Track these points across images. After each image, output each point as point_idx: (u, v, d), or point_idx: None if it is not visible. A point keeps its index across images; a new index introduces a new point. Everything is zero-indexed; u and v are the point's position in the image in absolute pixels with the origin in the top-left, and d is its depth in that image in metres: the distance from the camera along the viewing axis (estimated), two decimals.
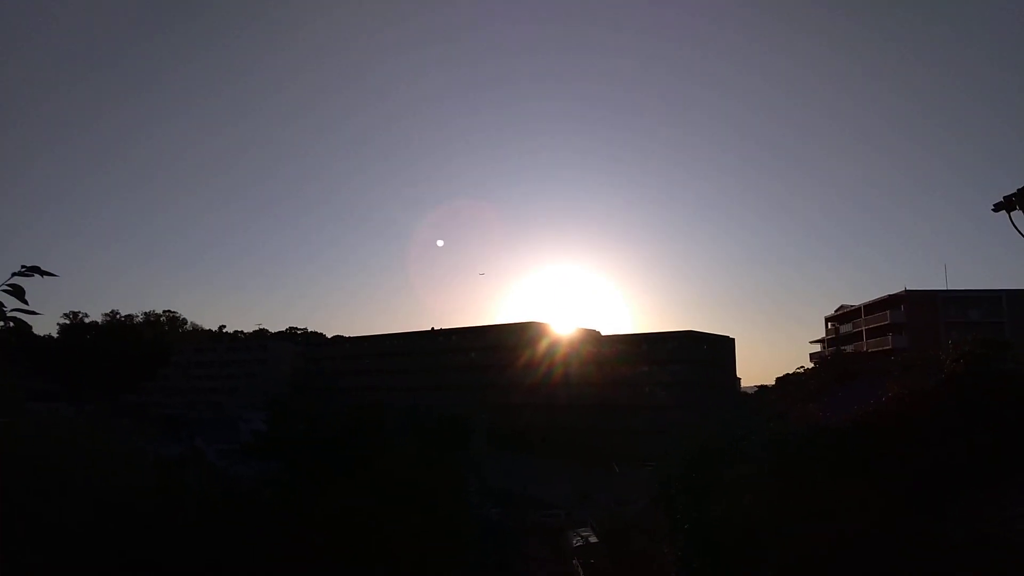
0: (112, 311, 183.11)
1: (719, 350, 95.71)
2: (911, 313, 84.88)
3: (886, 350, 72.90)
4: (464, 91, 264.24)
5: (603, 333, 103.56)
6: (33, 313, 3.98)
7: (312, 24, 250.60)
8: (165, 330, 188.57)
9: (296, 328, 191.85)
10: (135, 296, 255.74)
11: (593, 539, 37.59)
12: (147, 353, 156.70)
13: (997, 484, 9.53)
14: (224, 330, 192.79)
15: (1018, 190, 9.76)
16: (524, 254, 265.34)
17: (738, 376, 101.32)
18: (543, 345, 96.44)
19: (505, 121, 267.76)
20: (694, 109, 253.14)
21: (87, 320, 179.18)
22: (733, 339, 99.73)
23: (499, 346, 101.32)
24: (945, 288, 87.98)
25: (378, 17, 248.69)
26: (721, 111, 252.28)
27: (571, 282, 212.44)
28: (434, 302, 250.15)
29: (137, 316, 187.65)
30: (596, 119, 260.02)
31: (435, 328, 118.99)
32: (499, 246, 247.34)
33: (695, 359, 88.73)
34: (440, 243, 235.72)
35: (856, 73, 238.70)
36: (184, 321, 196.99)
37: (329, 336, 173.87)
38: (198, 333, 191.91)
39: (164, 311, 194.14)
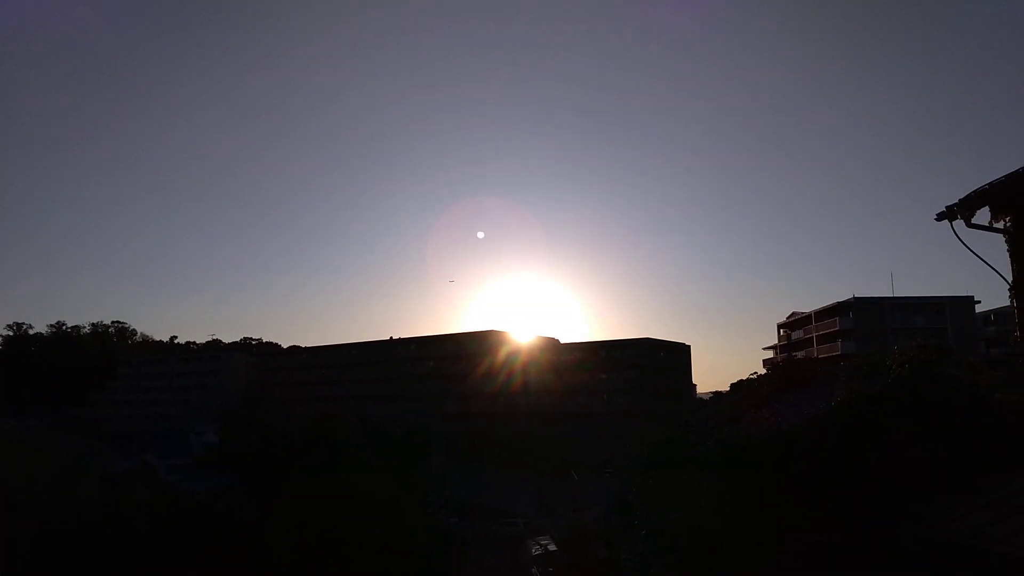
0: (58, 322, 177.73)
1: (675, 357, 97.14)
2: (859, 319, 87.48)
3: (835, 356, 74.78)
4: (419, 100, 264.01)
5: (562, 341, 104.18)
6: None
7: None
8: (114, 341, 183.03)
9: (251, 338, 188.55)
10: (82, 306, 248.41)
11: (552, 547, 37.54)
12: (95, 365, 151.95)
13: (948, 491, 9.77)
14: (175, 341, 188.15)
15: (959, 200, 10.13)
16: (484, 263, 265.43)
17: (694, 382, 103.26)
18: (502, 354, 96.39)
19: (464, 129, 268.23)
20: (649, 121, 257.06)
21: (31, 332, 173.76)
22: (689, 346, 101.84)
23: (458, 355, 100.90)
24: (892, 295, 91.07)
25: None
26: (676, 125, 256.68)
27: (530, 291, 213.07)
28: (392, 311, 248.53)
29: (84, 327, 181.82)
30: (553, 127, 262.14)
31: (393, 337, 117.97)
32: (459, 255, 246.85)
33: (652, 366, 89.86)
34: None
35: (804, 86, 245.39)
36: (133, 332, 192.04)
37: (285, 346, 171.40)
38: (148, 344, 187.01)
39: (112, 322, 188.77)
